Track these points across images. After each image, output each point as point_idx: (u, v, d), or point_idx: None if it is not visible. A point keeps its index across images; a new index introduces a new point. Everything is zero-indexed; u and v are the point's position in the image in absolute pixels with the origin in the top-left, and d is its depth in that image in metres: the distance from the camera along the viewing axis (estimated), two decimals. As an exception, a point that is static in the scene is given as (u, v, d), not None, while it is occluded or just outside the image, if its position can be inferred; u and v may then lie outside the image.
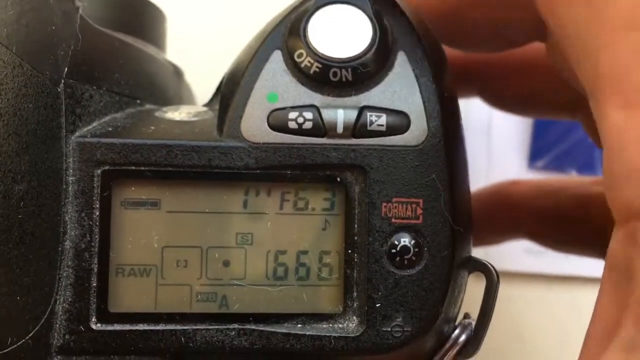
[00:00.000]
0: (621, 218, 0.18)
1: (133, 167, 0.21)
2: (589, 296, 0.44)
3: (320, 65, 0.22)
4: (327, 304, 0.22)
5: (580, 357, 0.20)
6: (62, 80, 0.21)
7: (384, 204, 0.22)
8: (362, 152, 0.22)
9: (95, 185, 0.21)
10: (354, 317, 0.22)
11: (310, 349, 0.22)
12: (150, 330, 0.21)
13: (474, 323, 0.24)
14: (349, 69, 0.22)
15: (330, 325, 0.22)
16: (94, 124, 0.22)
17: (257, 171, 0.22)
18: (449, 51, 0.25)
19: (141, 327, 0.21)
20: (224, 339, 0.22)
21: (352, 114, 0.22)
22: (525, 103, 0.32)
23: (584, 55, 0.18)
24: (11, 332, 0.20)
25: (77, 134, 0.21)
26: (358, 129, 0.22)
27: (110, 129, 0.22)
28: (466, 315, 0.24)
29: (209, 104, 0.25)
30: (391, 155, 0.22)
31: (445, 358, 0.23)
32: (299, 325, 0.22)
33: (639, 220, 0.17)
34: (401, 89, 0.22)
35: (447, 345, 0.23)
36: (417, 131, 0.22)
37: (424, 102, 0.22)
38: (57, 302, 0.21)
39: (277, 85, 0.22)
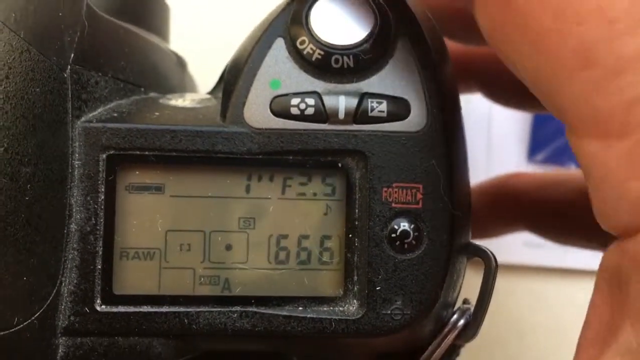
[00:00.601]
0: (613, 233, 0.18)
1: (138, 152, 0.22)
2: (587, 289, 0.45)
3: (322, 52, 0.22)
4: (328, 288, 0.23)
5: (575, 358, 0.20)
6: (69, 66, 0.21)
7: (384, 189, 0.22)
8: (363, 138, 0.22)
9: (100, 169, 0.22)
10: (355, 301, 0.22)
11: (311, 332, 0.22)
12: (154, 312, 0.22)
13: (472, 308, 0.24)
14: (351, 56, 0.22)
15: (331, 308, 0.22)
16: (100, 110, 0.22)
17: (260, 156, 0.22)
18: (449, 45, 0.25)
19: (145, 309, 0.22)
20: (226, 321, 0.22)
21: (354, 101, 0.22)
22: (524, 98, 0.32)
23: (544, 95, 0.19)
24: (18, 312, 0.20)
25: (83, 119, 0.22)
26: (359, 115, 0.22)
27: (115, 114, 0.22)
28: (465, 301, 0.24)
29: (212, 92, 0.26)
30: (392, 141, 0.22)
31: (444, 342, 0.24)
32: (300, 308, 0.22)
33: (630, 238, 0.18)
34: (402, 76, 0.22)
35: (446, 330, 0.23)
36: (418, 117, 0.22)
37: (424, 89, 0.22)
38: (63, 284, 0.21)
39: (279, 72, 0.22)
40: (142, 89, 0.25)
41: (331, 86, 0.22)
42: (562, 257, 0.43)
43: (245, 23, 0.25)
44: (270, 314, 0.22)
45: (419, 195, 0.22)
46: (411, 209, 0.22)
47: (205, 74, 0.30)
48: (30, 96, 0.20)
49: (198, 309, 0.22)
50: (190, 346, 0.22)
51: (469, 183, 0.24)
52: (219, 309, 0.22)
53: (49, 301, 0.21)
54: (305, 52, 0.22)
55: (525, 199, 0.34)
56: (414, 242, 0.22)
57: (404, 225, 0.22)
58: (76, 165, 0.21)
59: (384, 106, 0.22)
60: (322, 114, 0.22)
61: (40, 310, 0.21)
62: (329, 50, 0.22)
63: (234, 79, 0.23)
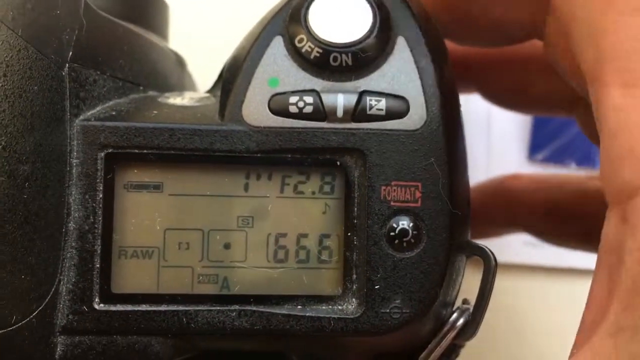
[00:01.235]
0: (614, 200, 0.18)
1: (136, 150, 0.22)
2: (587, 288, 0.45)
3: (320, 50, 0.22)
4: (326, 286, 0.22)
5: (574, 342, 0.20)
6: (67, 64, 0.21)
7: (383, 188, 0.22)
8: (361, 136, 0.22)
9: (98, 167, 0.22)
10: (353, 299, 0.22)
11: (310, 330, 0.22)
12: (153, 311, 0.22)
13: (471, 308, 0.24)
14: (349, 54, 0.22)
15: (330, 306, 0.22)
16: (98, 108, 0.22)
17: (258, 155, 0.22)
18: (448, 45, 0.25)
19: (143, 307, 0.22)
20: (225, 320, 0.22)
21: (352, 99, 0.22)
22: (522, 99, 0.32)
23: (589, 37, 0.19)
24: (16, 310, 0.20)
25: (81, 117, 0.22)
26: (358, 113, 0.22)
27: (113, 113, 0.22)
28: (465, 301, 0.24)
29: (211, 91, 0.26)
30: (390, 139, 0.22)
31: (443, 341, 0.24)
32: (299, 307, 0.22)
33: (630, 200, 0.17)
34: (400, 74, 0.22)
35: (445, 329, 0.23)
36: (416, 116, 0.22)
37: (423, 87, 0.22)
38: (61, 283, 0.21)
39: (278, 70, 0.22)
40: (141, 88, 0.25)
41: (330, 84, 0.22)
42: (562, 256, 0.43)
43: (244, 22, 0.25)
44: (269, 312, 0.22)
45: (418, 194, 0.22)
46: (410, 207, 0.22)
47: (204, 72, 0.30)
48: (28, 94, 0.20)
49: (197, 308, 0.22)
50: (189, 345, 0.22)
51: (468, 182, 0.24)
52: (218, 308, 0.22)
53: (47, 300, 0.21)
54: (303, 50, 0.22)
55: (523, 200, 0.34)
56: (412, 240, 0.22)
57: (403, 223, 0.22)
58: (74, 164, 0.21)
59: (382, 104, 0.22)
60: (321, 112, 0.22)
61: (39, 309, 0.21)
62: (328, 48, 0.22)
63: (233, 78, 0.23)
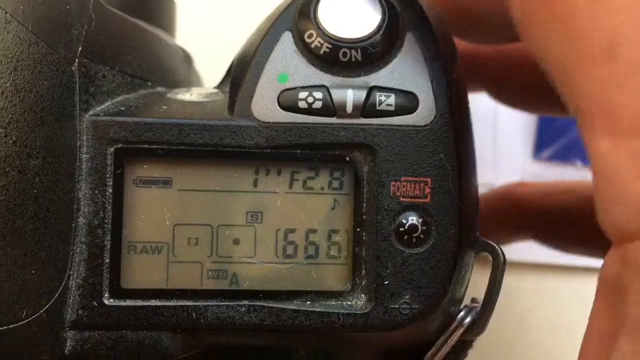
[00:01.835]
0: (613, 240, 0.18)
1: (145, 146, 0.22)
2: (594, 286, 0.44)
3: (330, 46, 0.22)
4: (336, 282, 0.22)
5: None
6: (76, 59, 0.21)
7: (392, 183, 0.22)
8: (371, 132, 0.22)
9: (108, 163, 0.22)
10: (363, 295, 0.22)
11: (319, 326, 0.22)
12: (162, 306, 0.22)
13: (480, 306, 0.24)
14: (359, 50, 0.22)
15: (339, 302, 0.22)
16: (107, 104, 0.22)
17: (268, 150, 0.22)
18: (456, 42, 0.25)
19: (153, 303, 0.22)
20: (234, 315, 0.22)
21: (362, 94, 0.22)
22: (530, 99, 0.32)
23: (567, 82, 0.19)
24: (26, 305, 0.20)
25: (90, 112, 0.22)
26: (367, 108, 0.22)
27: (123, 108, 0.22)
28: (473, 300, 0.24)
29: (219, 86, 0.26)
30: (400, 134, 0.22)
31: (450, 339, 0.24)
32: (308, 302, 0.22)
33: (629, 243, 0.17)
34: (410, 70, 0.22)
35: (453, 326, 0.23)
36: (426, 111, 0.22)
37: (432, 83, 0.22)
38: (71, 278, 0.21)
39: (287, 65, 0.22)
40: (149, 83, 0.25)
41: (339, 80, 0.22)
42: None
43: (251, 18, 0.25)
44: (278, 308, 0.22)
45: (427, 189, 0.22)
46: (419, 202, 0.22)
47: (211, 69, 0.30)
48: (38, 89, 0.20)
49: (206, 303, 0.22)
50: (198, 340, 0.22)
51: (477, 178, 0.24)
52: (227, 303, 0.22)
53: (57, 295, 0.21)
54: (313, 46, 0.22)
55: (530, 208, 0.34)
56: (422, 236, 0.22)
57: (412, 219, 0.22)
58: (84, 159, 0.21)
59: (392, 100, 0.22)
60: (330, 108, 0.22)
61: (49, 304, 0.21)
62: (337, 44, 0.22)
63: (242, 73, 0.23)
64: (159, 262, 0.22)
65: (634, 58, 0.17)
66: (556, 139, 0.43)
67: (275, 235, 0.22)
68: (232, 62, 0.25)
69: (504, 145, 0.44)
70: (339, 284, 0.22)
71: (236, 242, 0.22)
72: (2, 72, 0.20)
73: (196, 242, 0.22)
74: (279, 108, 0.22)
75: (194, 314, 0.22)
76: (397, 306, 0.22)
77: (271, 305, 0.22)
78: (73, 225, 0.21)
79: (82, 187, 0.21)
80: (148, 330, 0.22)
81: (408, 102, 0.22)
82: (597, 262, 0.43)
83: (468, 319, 0.24)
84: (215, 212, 0.22)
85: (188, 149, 0.22)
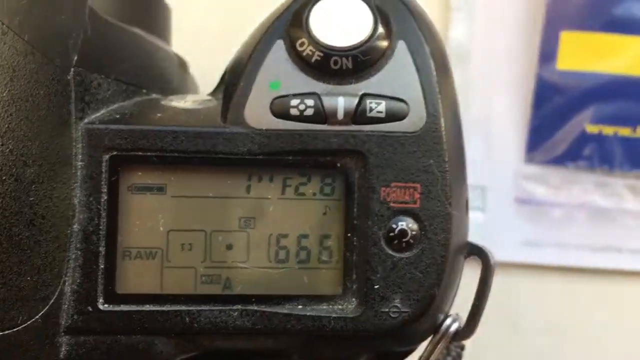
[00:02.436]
0: None
1: (140, 153, 0.22)
2: (584, 287, 0.45)
3: (321, 54, 0.22)
4: (327, 286, 0.23)
5: None
6: (72, 69, 0.22)
7: (382, 189, 0.22)
8: (361, 138, 0.23)
9: (103, 170, 0.22)
10: (353, 299, 0.23)
11: (310, 329, 0.22)
12: (156, 311, 0.22)
13: (464, 318, 0.24)
14: (350, 58, 0.22)
15: (330, 306, 0.23)
16: (102, 111, 0.23)
17: (260, 157, 0.22)
18: None
19: (147, 307, 0.22)
20: (227, 319, 0.22)
21: (352, 101, 0.23)
22: None
23: None
24: (22, 311, 0.20)
25: (85, 120, 0.22)
26: (358, 115, 0.23)
27: (117, 116, 0.23)
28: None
29: (213, 93, 0.26)
30: (390, 141, 0.23)
31: (440, 343, 0.24)
32: (300, 307, 0.23)
33: None
34: (400, 77, 0.23)
35: (442, 331, 0.24)
36: (416, 118, 0.23)
37: (423, 90, 0.23)
38: (66, 284, 0.21)
39: (279, 73, 0.23)
40: (144, 91, 0.25)
41: (330, 87, 0.23)
42: (559, 254, 0.43)
43: (246, 25, 0.25)
44: (271, 312, 0.22)
45: (417, 195, 0.23)
46: (409, 208, 0.23)
47: (206, 75, 0.30)
48: (34, 98, 0.20)
49: (199, 308, 0.22)
50: (192, 344, 0.23)
51: (467, 183, 0.25)
52: (220, 308, 0.22)
53: (52, 300, 0.21)
54: (304, 54, 0.23)
55: None
56: (412, 241, 0.22)
57: (402, 224, 0.22)
58: (79, 166, 0.22)
59: (382, 107, 0.23)
60: (321, 115, 0.22)
61: (44, 310, 0.21)
62: (328, 52, 0.22)
63: (235, 80, 0.23)
64: (153, 268, 0.22)
65: None
66: (548, 142, 0.44)
67: (268, 240, 0.23)
68: (226, 70, 0.25)
69: (496, 148, 0.44)
70: (330, 288, 0.23)
71: (229, 247, 0.23)
72: (-1, 81, 0.20)
73: (190, 248, 0.23)
74: (271, 115, 0.23)
75: (187, 319, 0.22)
76: (387, 310, 0.22)
77: (263, 309, 0.22)
78: (68, 231, 0.21)
79: (78, 194, 0.22)
80: (142, 334, 0.22)
81: (399, 109, 0.23)
82: (588, 263, 0.43)
83: (456, 325, 0.24)
84: (209, 218, 0.23)
85: (182, 156, 0.22)
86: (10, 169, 0.20)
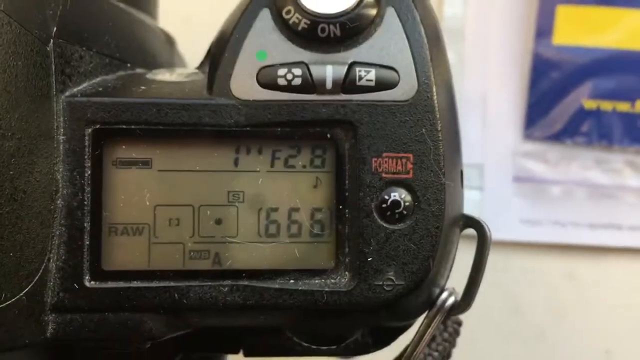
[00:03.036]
0: None
1: (124, 126, 0.22)
2: (584, 265, 0.44)
3: (308, 22, 0.22)
4: (319, 260, 0.22)
5: None
6: (51, 40, 0.21)
7: (374, 159, 0.22)
8: (351, 108, 0.22)
9: (86, 144, 0.21)
10: (346, 272, 0.22)
11: (302, 304, 0.22)
12: (144, 287, 0.22)
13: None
14: (337, 25, 0.22)
15: (323, 280, 0.22)
16: (84, 85, 0.22)
17: (248, 128, 0.22)
18: None
19: (135, 284, 0.22)
20: (217, 295, 0.22)
21: (341, 70, 0.22)
22: None
23: None
24: (5, 288, 0.20)
25: (67, 93, 0.22)
26: (347, 84, 0.22)
27: (100, 89, 0.22)
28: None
29: (200, 67, 0.25)
30: (381, 110, 0.22)
31: (433, 322, 0.23)
32: (292, 281, 0.22)
33: None
34: (390, 45, 0.22)
35: (437, 305, 0.23)
36: (407, 86, 0.22)
37: (413, 58, 0.22)
38: (51, 260, 0.21)
39: (265, 43, 0.22)
40: (129, 65, 0.24)
41: (318, 56, 0.22)
42: (558, 232, 0.43)
43: (234, 0, 0.25)
44: (262, 287, 0.22)
45: (410, 165, 0.22)
46: (402, 179, 0.22)
47: (194, 52, 0.30)
48: (12, 69, 0.20)
49: (188, 284, 0.22)
50: (182, 321, 0.22)
51: (461, 154, 0.24)
52: (210, 284, 0.22)
53: (37, 277, 0.21)
54: (291, 22, 0.22)
55: None
56: (405, 212, 0.22)
57: (395, 195, 0.22)
58: (61, 140, 0.21)
59: (372, 75, 0.22)
60: (310, 84, 0.22)
61: (29, 287, 0.20)
62: (315, 19, 0.22)
63: (220, 51, 0.22)
64: (140, 244, 0.22)
65: None
66: (546, 119, 0.43)
67: (258, 214, 0.22)
68: (212, 43, 0.24)
69: (493, 126, 0.44)
70: (322, 262, 0.22)
71: (218, 222, 0.22)
72: (-25, 53, 0.19)
73: (177, 223, 0.22)
74: (258, 86, 0.22)
75: (176, 295, 0.22)
76: (381, 283, 0.22)
77: (254, 284, 0.22)
78: (52, 207, 0.21)
79: (61, 169, 0.21)
80: (130, 312, 0.22)
81: (389, 77, 0.22)
82: (585, 241, 0.42)
83: (452, 299, 0.23)
84: (196, 192, 0.22)
85: (167, 129, 0.22)
86: (-12, 142, 0.19)
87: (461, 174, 0.24)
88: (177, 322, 0.22)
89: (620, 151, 0.43)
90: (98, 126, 0.21)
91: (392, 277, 0.22)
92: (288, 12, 0.22)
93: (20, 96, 0.20)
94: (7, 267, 0.20)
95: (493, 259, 0.24)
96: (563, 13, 0.42)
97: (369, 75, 0.22)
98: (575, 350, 0.43)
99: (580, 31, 0.42)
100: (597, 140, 0.42)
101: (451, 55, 0.25)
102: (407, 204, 0.22)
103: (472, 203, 0.42)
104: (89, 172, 0.21)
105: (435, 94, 0.22)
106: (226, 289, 0.22)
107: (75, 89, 0.22)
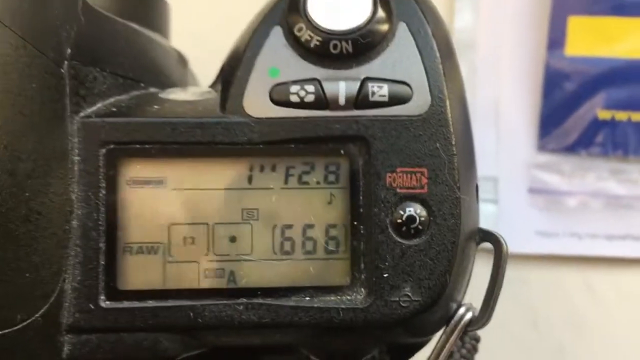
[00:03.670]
0: None
1: (138, 146, 0.22)
2: (601, 276, 0.44)
3: (320, 39, 0.22)
4: (334, 277, 0.22)
5: None
6: (66, 62, 0.21)
7: (388, 175, 0.22)
8: (364, 124, 0.22)
9: (100, 164, 0.21)
10: (362, 289, 0.22)
11: (318, 321, 0.22)
12: (159, 306, 0.21)
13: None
14: (349, 41, 0.22)
15: (339, 297, 0.22)
16: (98, 105, 0.22)
17: (261, 146, 0.22)
18: None
19: (150, 303, 0.21)
20: (233, 313, 0.22)
21: (354, 86, 0.22)
22: None
23: None
24: (21, 309, 0.20)
25: (81, 114, 0.22)
26: (360, 100, 0.22)
27: (114, 109, 0.22)
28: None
29: (212, 86, 0.25)
30: (394, 125, 0.22)
31: (453, 333, 0.23)
32: (307, 298, 0.22)
33: None
34: (402, 60, 0.22)
35: (455, 320, 0.23)
36: (420, 101, 0.22)
37: (426, 72, 0.22)
38: (66, 281, 0.21)
39: (278, 60, 0.22)
40: (142, 85, 0.24)
41: (331, 72, 0.22)
42: (575, 244, 0.42)
43: (246, 19, 0.25)
44: (277, 305, 0.22)
45: (424, 180, 0.22)
46: (417, 193, 0.22)
47: (207, 71, 0.30)
48: (27, 92, 0.20)
49: (204, 302, 0.22)
50: (197, 341, 0.22)
51: (476, 168, 0.24)
52: (225, 302, 0.22)
53: (52, 298, 0.21)
54: (303, 39, 0.22)
55: None
56: (420, 227, 0.22)
57: (410, 210, 0.22)
58: (76, 161, 0.21)
59: (385, 90, 0.22)
60: (323, 101, 0.22)
61: (44, 308, 0.20)
62: (327, 36, 0.22)
63: (233, 69, 0.23)
64: (155, 263, 0.22)
65: None
66: (560, 130, 0.43)
67: (272, 231, 0.22)
68: (224, 61, 0.24)
69: (506, 138, 0.43)
70: (337, 278, 0.22)
71: (232, 239, 0.22)
72: (-9, 76, 0.19)
73: (192, 241, 0.22)
74: (271, 103, 0.22)
75: (191, 314, 0.21)
76: (397, 299, 0.22)
77: (269, 302, 0.22)
78: (67, 227, 0.21)
79: (75, 190, 0.21)
80: (146, 331, 0.21)
81: (402, 92, 0.22)
82: (604, 252, 0.42)
83: (469, 314, 0.23)
84: (211, 210, 0.22)
85: (181, 148, 0.22)
86: (4, 164, 0.19)
87: (476, 188, 0.24)
88: (192, 341, 0.22)
89: (636, 161, 0.42)
90: (112, 146, 0.22)
91: (409, 293, 0.22)
92: (300, 29, 0.22)
93: (35, 118, 0.20)
94: (23, 288, 0.20)
95: (509, 272, 0.24)
96: (575, 24, 0.42)
97: (382, 91, 0.22)
98: (595, 364, 0.42)
99: (593, 41, 0.42)
100: (612, 150, 0.42)
101: (463, 67, 0.25)
102: (422, 219, 0.22)
103: (487, 216, 0.42)
104: (104, 192, 0.21)
105: (449, 107, 0.22)
106: (241, 307, 0.22)
107: (89, 110, 0.22)
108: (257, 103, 0.22)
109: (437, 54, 0.22)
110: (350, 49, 0.22)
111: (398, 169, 0.22)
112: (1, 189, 0.19)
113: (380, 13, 0.22)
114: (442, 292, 0.22)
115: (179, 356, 0.22)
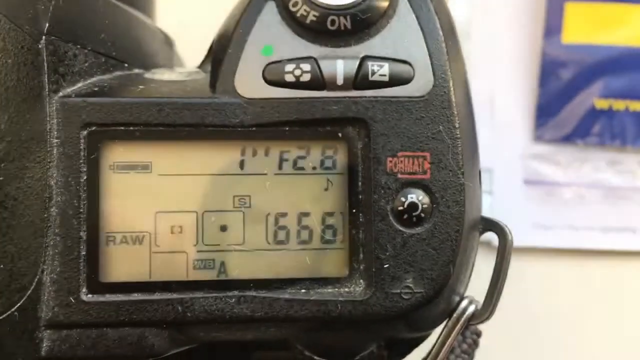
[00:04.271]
0: None
1: (121, 128, 0.20)
2: (598, 270, 0.43)
3: (316, 14, 0.21)
4: (332, 268, 0.21)
5: None
6: (43, 36, 0.20)
7: (389, 159, 0.21)
8: (364, 105, 0.21)
9: (81, 147, 0.20)
10: (361, 280, 0.21)
11: (315, 315, 0.20)
12: (145, 300, 0.20)
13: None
14: (348, 17, 0.21)
15: (336, 289, 0.21)
16: (79, 85, 0.21)
17: (254, 128, 0.21)
18: None
19: (135, 297, 0.20)
20: (224, 307, 0.20)
21: (353, 65, 0.21)
22: None
23: None
24: (-5, 303, 0.18)
25: (60, 93, 0.20)
26: (359, 80, 0.21)
27: (96, 89, 0.21)
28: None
29: (201, 66, 0.24)
30: (395, 107, 0.21)
31: (454, 330, 0.22)
32: (303, 291, 0.21)
33: None
34: (404, 38, 0.21)
35: (457, 313, 0.22)
36: (422, 81, 0.21)
37: (429, 51, 0.21)
38: (45, 273, 0.20)
39: (271, 37, 0.21)
40: (126, 65, 0.23)
41: (328, 50, 0.21)
42: (572, 237, 0.41)
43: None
44: (271, 297, 0.20)
45: (427, 165, 0.21)
46: (419, 179, 0.21)
47: (194, 53, 0.29)
48: (1, 68, 0.19)
49: (192, 295, 0.20)
50: (186, 336, 0.21)
51: (479, 153, 0.23)
52: (215, 295, 0.20)
53: (29, 291, 0.19)
54: (298, 15, 0.21)
55: None
56: (422, 214, 0.21)
57: (412, 197, 0.21)
58: (55, 144, 0.20)
59: (385, 69, 0.21)
60: (319, 80, 0.21)
61: (21, 301, 0.19)
62: (324, 11, 0.21)
63: (223, 48, 0.21)
64: (141, 253, 0.20)
65: None
66: (556, 121, 0.42)
67: (265, 220, 0.21)
68: (214, 39, 0.23)
69: (502, 128, 0.42)
70: (335, 269, 0.21)
71: (223, 228, 0.21)
72: (-39, 50, 0.18)
73: (180, 231, 0.21)
74: (264, 83, 0.21)
75: (179, 308, 0.20)
76: (399, 291, 0.20)
77: (263, 295, 0.20)
78: (45, 215, 0.20)
79: (54, 174, 0.20)
80: (131, 326, 0.20)
81: (403, 72, 0.21)
82: (600, 245, 0.41)
83: (472, 307, 0.22)
84: (200, 197, 0.21)
85: (168, 130, 0.20)
86: (-24, 145, 0.18)
87: (479, 173, 0.23)
88: (180, 336, 0.21)
89: (634, 152, 0.41)
90: (94, 128, 0.20)
91: (411, 285, 0.21)
92: (295, 4, 0.21)
93: (9, 96, 0.19)
94: (-3, 281, 0.18)
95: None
96: (572, 10, 0.41)
97: (382, 70, 0.21)
98: (593, 358, 0.41)
99: (590, 29, 0.41)
100: (609, 140, 0.41)
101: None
102: (425, 206, 0.21)
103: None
104: (85, 177, 0.20)
105: (452, 89, 0.21)
106: (233, 300, 0.20)
107: (69, 89, 0.20)
108: (249, 83, 0.21)
109: (441, 32, 0.21)
110: (348, 26, 0.21)
111: (399, 153, 0.21)
112: (-28, 173, 0.18)
113: (381, -13, 0.21)
114: (445, 283, 0.21)
115: (166, 353, 0.21)
